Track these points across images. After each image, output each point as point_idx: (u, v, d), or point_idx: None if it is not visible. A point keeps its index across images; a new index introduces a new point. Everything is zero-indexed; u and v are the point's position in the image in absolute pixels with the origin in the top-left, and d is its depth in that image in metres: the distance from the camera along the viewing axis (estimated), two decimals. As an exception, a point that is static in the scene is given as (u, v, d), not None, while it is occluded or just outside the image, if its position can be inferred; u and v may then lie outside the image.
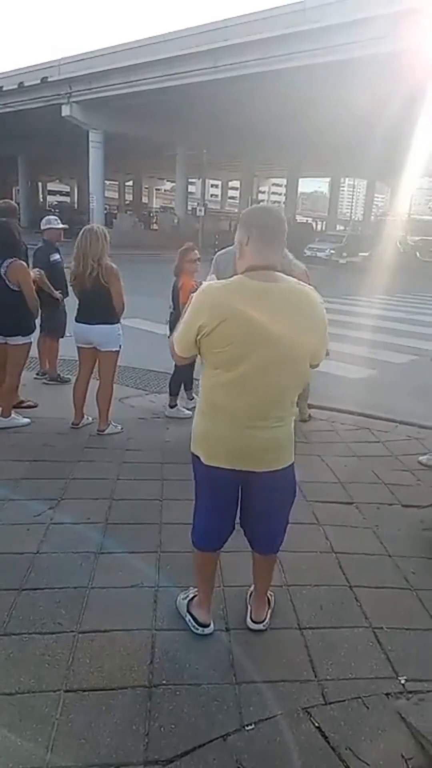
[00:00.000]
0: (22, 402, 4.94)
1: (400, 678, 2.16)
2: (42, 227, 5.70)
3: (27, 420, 4.65)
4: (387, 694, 2.08)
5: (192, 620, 2.36)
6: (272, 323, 1.96)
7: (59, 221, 5.81)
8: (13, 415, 4.60)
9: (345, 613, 2.53)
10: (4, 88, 27.38)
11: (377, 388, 6.57)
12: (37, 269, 5.03)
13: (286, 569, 2.81)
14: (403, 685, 2.13)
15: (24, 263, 4.45)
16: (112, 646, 2.26)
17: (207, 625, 2.35)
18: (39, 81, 25.45)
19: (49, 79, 25.11)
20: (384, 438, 4.82)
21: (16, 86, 26.70)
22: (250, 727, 1.92)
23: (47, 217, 5.87)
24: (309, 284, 2.19)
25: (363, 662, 2.24)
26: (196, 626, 2.34)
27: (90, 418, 4.68)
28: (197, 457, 2.20)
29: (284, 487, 2.27)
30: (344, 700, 2.04)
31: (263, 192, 57.46)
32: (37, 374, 5.97)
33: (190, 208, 33.95)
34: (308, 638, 2.36)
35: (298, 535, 3.11)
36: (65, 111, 25.51)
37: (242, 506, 2.27)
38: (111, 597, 2.56)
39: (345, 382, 6.64)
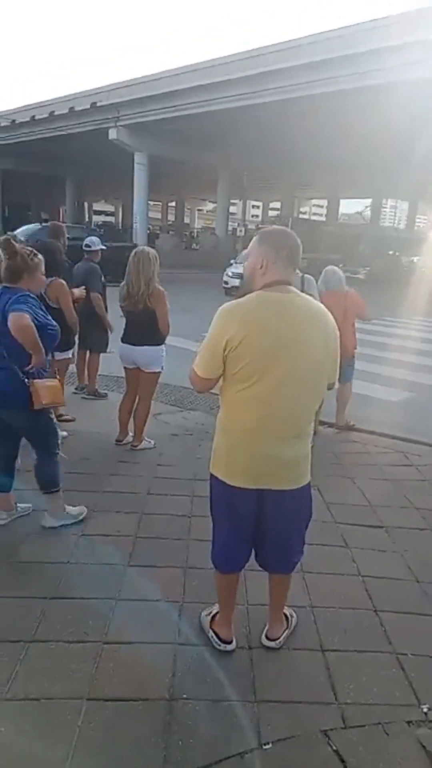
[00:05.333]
0: (61, 416, 5.07)
1: (422, 706, 2.13)
2: (92, 248, 5.85)
3: (65, 433, 4.76)
4: (408, 722, 2.05)
5: (214, 637, 2.39)
6: (293, 333, 2.04)
7: (100, 242, 6.01)
8: (50, 428, 4.73)
9: (369, 638, 2.51)
10: (56, 113, 28.48)
11: (414, 411, 6.46)
12: (82, 288, 5.18)
13: (311, 590, 2.81)
14: (425, 713, 2.10)
15: (63, 282, 4.61)
16: (135, 658, 2.31)
17: (229, 642, 2.37)
18: (89, 106, 26.40)
19: (98, 104, 26.01)
20: (418, 462, 4.74)
21: (67, 111, 27.75)
22: (267, 746, 1.92)
23: (91, 238, 6.06)
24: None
25: (385, 688, 2.22)
26: (219, 642, 2.37)
27: (132, 435, 4.77)
28: (216, 478, 2.24)
29: (301, 507, 2.29)
30: (364, 725, 2.02)
31: (304, 213, 57.60)
32: (76, 389, 6.14)
33: (230, 228, 34.34)
34: (330, 661, 2.35)
35: (325, 557, 3.12)
36: (112, 134, 26.34)
37: (258, 528, 2.27)
38: (137, 610, 2.61)
39: (381, 405, 6.57)
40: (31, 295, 3.06)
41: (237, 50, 20.88)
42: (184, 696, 2.12)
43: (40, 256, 3.15)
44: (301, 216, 50.70)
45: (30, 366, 2.98)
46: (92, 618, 2.52)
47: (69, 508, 3.37)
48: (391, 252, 28.11)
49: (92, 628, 2.46)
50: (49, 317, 3.15)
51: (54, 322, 3.17)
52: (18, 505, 3.41)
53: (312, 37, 17.97)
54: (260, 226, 29.63)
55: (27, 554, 3.02)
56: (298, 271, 4.55)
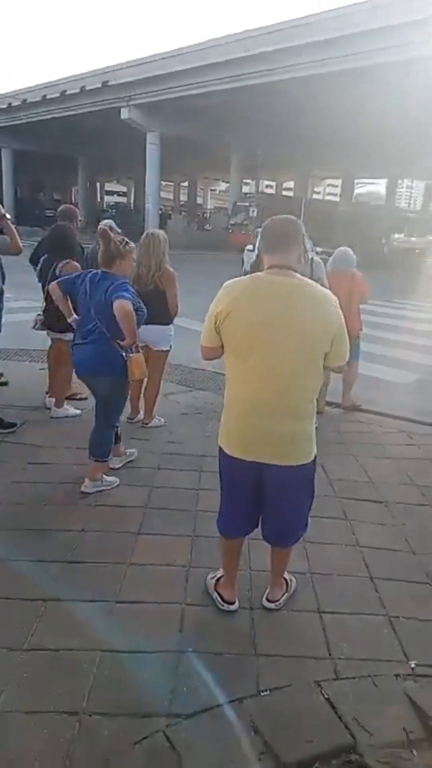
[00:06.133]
0: (75, 394, 5.25)
1: (410, 662, 2.30)
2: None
3: (78, 411, 4.96)
4: (396, 675, 2.22)
5: (218, 597, 2.57)
6: (283, 314, 2.15)
7: (114, 225, 6.13)
8: (65, 406, 4.92)
9: (364, 602, 2.68)
10: (67, 92, 28.35)
11: (422, 393, 6.56)
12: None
13: (310, 558, 2.97)
14: (413, 669, 2.27)
15: (77, 264, 4.73)
16: (145, 617, 2.50)
17: (232, 603, 2.55)
18: (100, 85, 26.25)
19: (110, 83, 25.84)
20: (421, 441, 4.87)
21: (78, 90, 27.61)
22: (265, 693, 2.11)
23: (107, 221, 6.18)
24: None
25: (377, 646, 2.39)
26: (222, 603, 2.55)
27: (143, 413, 4.94)
28: (220, 448, 2.41)
29: (300, 485, 2.40)
30: (354, 678, 2.20)
31: (318, 192, 56.98)
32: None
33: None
34: (326, 621, 2.52)
35: (326, 529, 3.28)
36: (124, 114, 26.20)
37: (260, 500, 2.43)
38: (147, 573, 2.80)
39: (388, 386, 6.68)
40: (127, 281, 3.49)
41: (248, 27, 20.59)
42: (190, 650, 2.31)
43: (132, 244, 3.56)
44: (315, 196, 50.26)
45: (124, 344, 3.41)
46: (106, 580, 2.71)
47: (105, 477, 3.68)
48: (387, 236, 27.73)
49: (105, 589, 2.65)
50: (141, 302, 3.60)
51: (144, 306, 3.63)
52: (126, 451, 4.03)
53: (328, 12, 17.69)
54: (238, 203, 29.66)
55: (45, 522, 3.21)
56: (310, 254, 4.69)
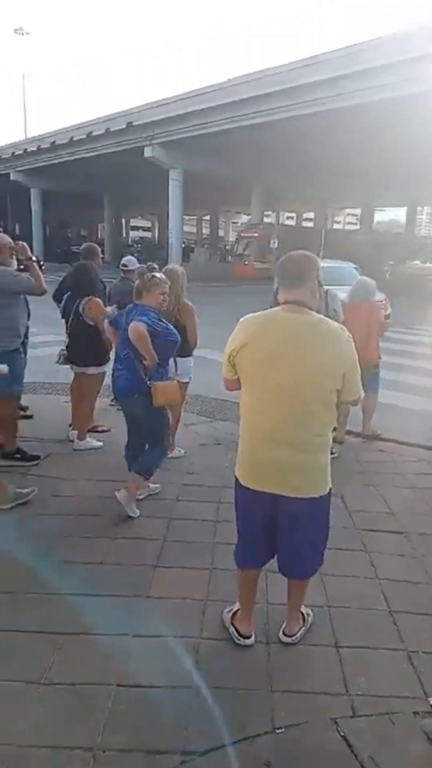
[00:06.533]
0: (97, 426, 5.35)
1: (429, 699, 2.25)
2: (129, 267, 6.14)
3: (100, 443, 5.04)
4: (415, 713, 2.18)
5: (234, 631, 2.56)
6: (291, 348, 2.20)
7: (137, 261, 6.31)
8: (88, 439, 5.01)
9: (382, 636, 2.64)
10: (93, 133, 29.45)
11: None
12: (114, 306, 5.47)
13: (328, 591, 2.95)
14: (431, 705, 2.22)
15: (99, 301, 4.88)
16: (161, 650, 2.50)
17: (248, 637, 2.54)
18: (124, 126, 27.22)
19: (134, 124, 26.78)
20: (443, 471, 4.81)
21: (103, 131, 28.67)
22: (280, 730, 2.08)
23: (129, 258, 6.37)
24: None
25: (395, 682, 2.35)
26: (238, 637, 2.54)
27: None
28: (237, 479, 2.44)
29: (313, 518, 2.39)
30: (372, 715, 2.16)
31: (338, 222, 57.43)
32: (112, 401, 6.40)
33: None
34: (344, 656, 2.49)
35: (344, 561, 3.25)
36: (148, 152, 27.03)
37: (275, 532, 2.43)
38: (164, 606, 2.81)
39: (408, 414, 6.61)
40: (152, 309, 3.68)
41: (267, 65, 21.11)
42: (205, 684, 2.30)
43: (158, 278, 3.77)
44: (336, 225, 50.68)
45: (145, 368, 3.58)
46: (122, 614, 2.73)
47: (134, 507, 3.76)
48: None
49: (122, 622, 2.66)
50: (170, 327, 3.75)
51: (175, 332, 3.78)
52: (150, 485, 4.02)
53: (345, 49, 18.12)
54: (242, 234, 30.05)
55: (63, 555, 3.24)
56: (325, 286, 4.74)
